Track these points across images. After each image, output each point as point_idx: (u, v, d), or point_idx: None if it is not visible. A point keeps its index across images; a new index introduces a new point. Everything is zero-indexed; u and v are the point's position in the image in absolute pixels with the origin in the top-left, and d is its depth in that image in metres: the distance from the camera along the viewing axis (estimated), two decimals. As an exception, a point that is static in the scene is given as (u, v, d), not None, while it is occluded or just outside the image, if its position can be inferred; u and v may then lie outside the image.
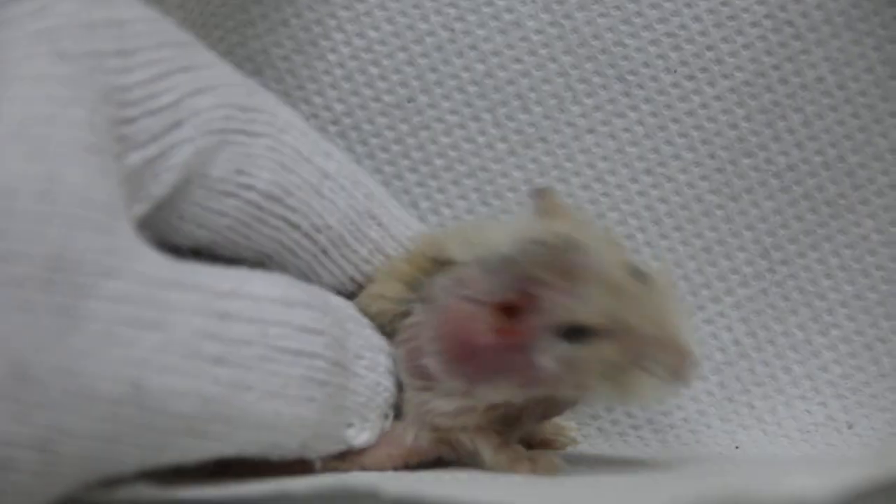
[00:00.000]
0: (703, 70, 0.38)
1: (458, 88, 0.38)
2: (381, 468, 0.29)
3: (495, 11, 0.39)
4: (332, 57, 0.38)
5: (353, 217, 0.30)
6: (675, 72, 0.38)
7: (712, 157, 0.39)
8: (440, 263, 0.30)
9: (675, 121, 0.39)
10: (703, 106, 0.39)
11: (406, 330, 0.30)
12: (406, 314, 0.30)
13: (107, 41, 0.25)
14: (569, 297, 0.27)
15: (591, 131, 0.39)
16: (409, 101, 0.38)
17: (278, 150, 0.28)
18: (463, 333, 0.28)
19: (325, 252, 0.30)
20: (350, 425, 0.28)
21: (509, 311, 0.27)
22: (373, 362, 0.28)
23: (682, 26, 0.38)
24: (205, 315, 0.24)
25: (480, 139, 0.39)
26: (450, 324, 0.28)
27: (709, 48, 0.38)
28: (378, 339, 0.29)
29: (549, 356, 0.27)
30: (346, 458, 0.28)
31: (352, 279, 0.31)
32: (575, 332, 0.27)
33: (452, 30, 0.38)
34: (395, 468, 0.29)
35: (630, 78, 0.39)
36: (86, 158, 0.23)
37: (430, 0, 0.38)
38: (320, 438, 0.27)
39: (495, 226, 0.31)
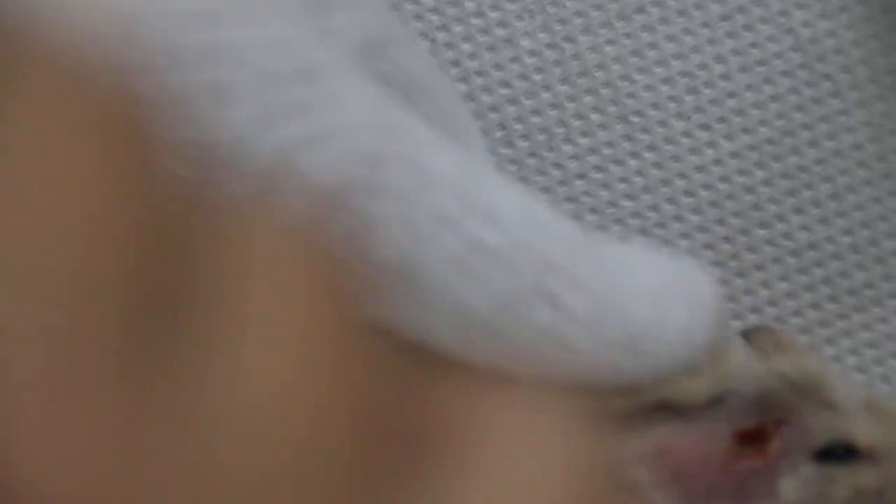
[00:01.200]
0: (721, 120, 0.38)
1: (433, 110, 0.37)
2: None
3: (485, 24, 0.37)
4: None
5: (515, 294, 0.24)
6: (689, 118, 0.38)
7: (721, 223, 0.37)
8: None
9: (682, 176, 0.37)
10: (717, 162, 0.38)
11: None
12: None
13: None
14: (831, 417, 0.27)
15: (581, 177, 0.38)
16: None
17: (411, 217, 0.23)
18: (696, 462, 0.28)
19: (469, 336, 0.25)
20: None
21: (750, 436, 0.28)
22: None
23: (702, 66, 0.38)
24: None
25: (453, 172, 0.37)
26: (680, 457, 0.28)
27: (731, 95, 0.38)
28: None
29: (798, 480, 0.27)
30: None
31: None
32: (832, 455, 0.27)
33: (433, 40, 0.37)
34: None
35: (634, 120, 0.38)
36: None
37: (411, 3, 0.37)
38: None
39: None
